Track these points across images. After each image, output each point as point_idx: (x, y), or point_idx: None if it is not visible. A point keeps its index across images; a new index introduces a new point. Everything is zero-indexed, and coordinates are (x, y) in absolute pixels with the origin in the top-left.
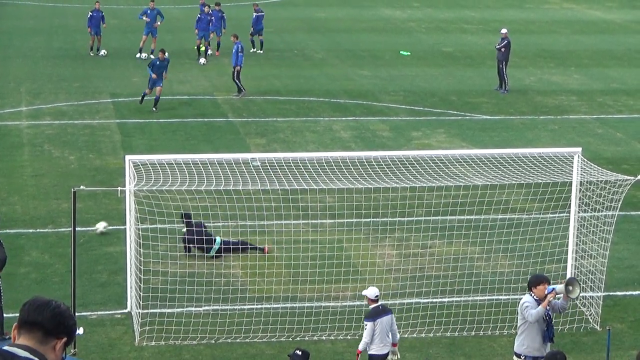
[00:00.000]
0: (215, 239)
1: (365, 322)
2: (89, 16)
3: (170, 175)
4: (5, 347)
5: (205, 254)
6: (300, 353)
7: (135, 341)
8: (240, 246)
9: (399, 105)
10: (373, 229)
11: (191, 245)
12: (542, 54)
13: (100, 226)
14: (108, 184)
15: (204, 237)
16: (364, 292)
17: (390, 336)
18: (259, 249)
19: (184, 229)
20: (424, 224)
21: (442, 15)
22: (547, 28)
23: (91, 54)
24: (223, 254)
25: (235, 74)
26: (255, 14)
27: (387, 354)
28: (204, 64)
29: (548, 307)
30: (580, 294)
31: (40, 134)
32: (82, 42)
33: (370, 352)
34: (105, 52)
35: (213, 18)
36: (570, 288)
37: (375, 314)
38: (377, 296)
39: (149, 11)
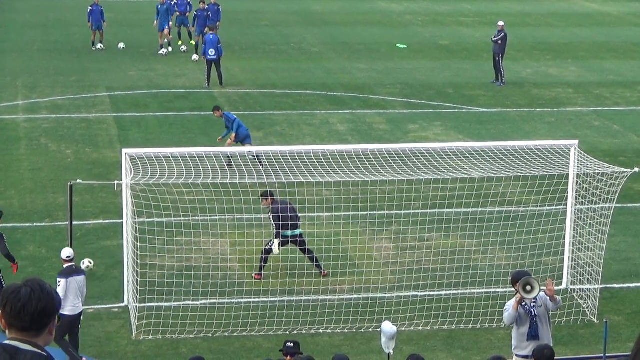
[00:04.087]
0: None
1: (59, 279)
2: (89, 11)
3: (167, 168)
4: (7, 342)
5: (281, 231)
6: (292, 344)
7: (133, 335)
8: (306, 255)
9: (396, 98)
10: (370, 222)
11: (283, 221)
12: (538, 47)
13: (86, 262)
14: (105, 177)
15: (295, 214)
16: (61, 253)
17: (81, 298)
18: (320, 267)
19: (270, 207)
20: (421, 217)
21: (439, 8)
22: (543, 20)
23: (93, 49)
24: (282, 245)
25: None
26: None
27: (79, 315)
28: (196, 60)
29: (534, 304)
30: (540, 292)
31: (37, 128)
32: (78, 35)
33: (62, 312)
34: (102, 46)
35: (210, 13)
36: (529, 288)
37: (68, 273)
38: (68, 257)
39: (159, 6)
